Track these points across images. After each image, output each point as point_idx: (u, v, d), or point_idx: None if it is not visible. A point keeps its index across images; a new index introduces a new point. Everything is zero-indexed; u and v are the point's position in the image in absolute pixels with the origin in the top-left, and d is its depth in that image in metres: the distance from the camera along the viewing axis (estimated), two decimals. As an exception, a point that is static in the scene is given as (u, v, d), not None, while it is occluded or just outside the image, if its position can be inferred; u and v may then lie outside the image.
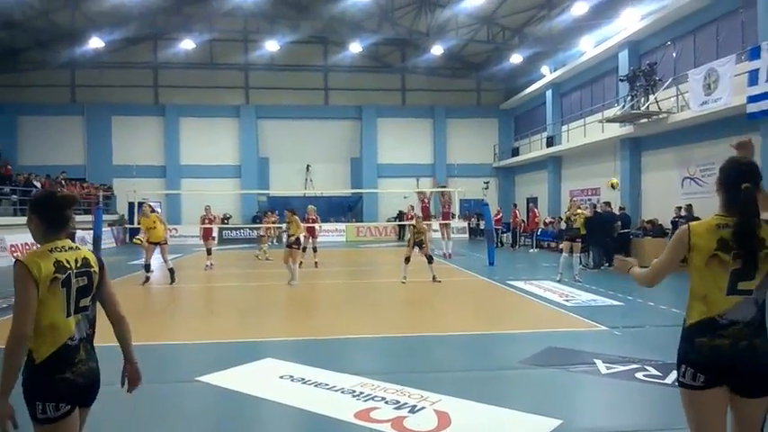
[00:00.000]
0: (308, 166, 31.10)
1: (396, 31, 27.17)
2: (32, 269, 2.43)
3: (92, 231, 18.04)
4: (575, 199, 14.91)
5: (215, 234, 16.82)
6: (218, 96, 31.15)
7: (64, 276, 2.51)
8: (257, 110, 31.40)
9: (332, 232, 28.90)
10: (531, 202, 28.70)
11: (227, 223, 28.68)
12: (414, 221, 14.01)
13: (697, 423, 2.59)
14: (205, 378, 5.62)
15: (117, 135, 30.48)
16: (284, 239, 12.70)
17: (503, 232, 24.01)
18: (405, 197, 27.77)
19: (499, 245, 23.24)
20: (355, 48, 28.69)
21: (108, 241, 24.11)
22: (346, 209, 31.51)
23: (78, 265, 2.59)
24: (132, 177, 28.76)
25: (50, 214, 2.63)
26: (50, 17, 24.86)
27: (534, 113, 29.81)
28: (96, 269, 2.67)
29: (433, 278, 12.57)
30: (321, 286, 13.01)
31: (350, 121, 32.29)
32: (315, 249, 16.53)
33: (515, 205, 25.47)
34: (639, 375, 5.60)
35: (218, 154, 30.86)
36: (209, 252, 16.20)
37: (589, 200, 21.79)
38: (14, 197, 22.09)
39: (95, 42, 26.41)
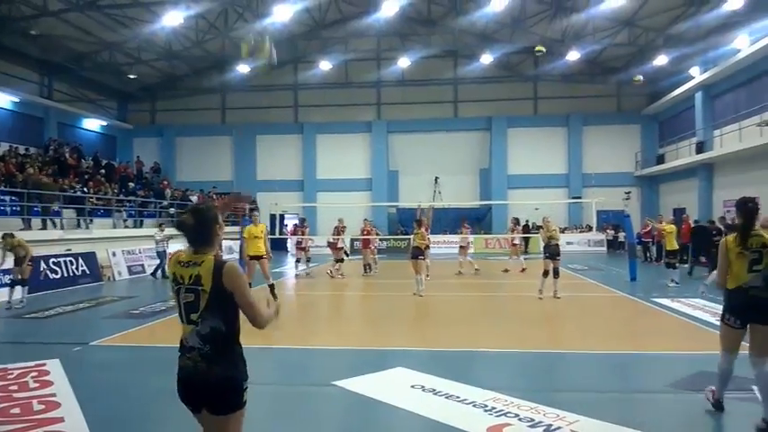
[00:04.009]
0: (436, 178, 31.26)
1: (529, 39, 26.54)
2: None
3: (238, 241, 19.52)
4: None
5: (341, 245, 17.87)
6: (351, 113, 32.48)
7: None
8: (388, 125, 32.24)
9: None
10: (679, 212, 26.49)
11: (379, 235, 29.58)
12: (544, 225, 12.43)
13: (728, 347, 4.73)
14: (340, 383, 5.84)
15: (261, 152, 32.98)
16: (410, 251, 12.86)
17: (652, 245, 22.40)
18: (536, 209, 26.93)
19: (649, 260, 22.04)
20: (486, 59, 28.44)
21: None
22: (475, 220, 31.17)
23: None
24: (274, 191, 30.80)
25: None
26: (204, 46, 27.42)
27: (682, 118, 27.55)
28: None
29: (554, 293, 11.95)
30: (449, 298, 12.96)
31: (479, 133, 32.03)
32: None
33: (661, 216, 23.60)
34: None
35: (350, 168, 32.12)
36: (341, 261, 17.09)
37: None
38: (172, 210, 24.52)
39: (242, 68, 28.71)
